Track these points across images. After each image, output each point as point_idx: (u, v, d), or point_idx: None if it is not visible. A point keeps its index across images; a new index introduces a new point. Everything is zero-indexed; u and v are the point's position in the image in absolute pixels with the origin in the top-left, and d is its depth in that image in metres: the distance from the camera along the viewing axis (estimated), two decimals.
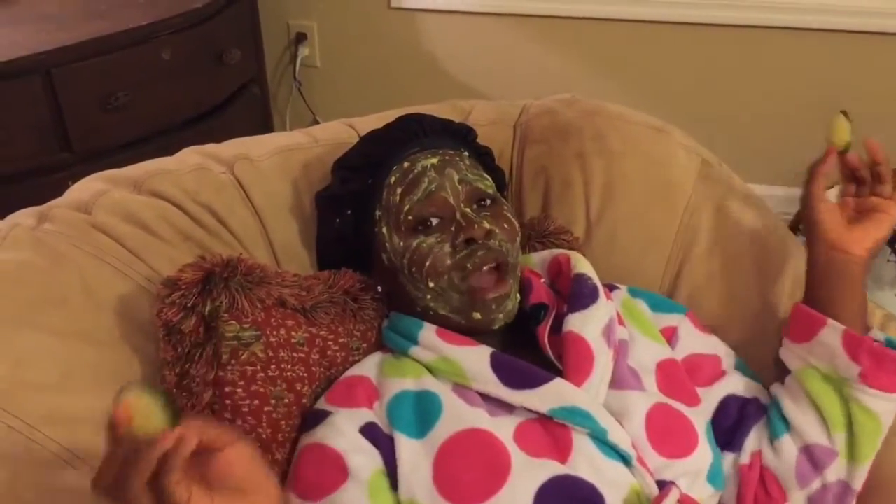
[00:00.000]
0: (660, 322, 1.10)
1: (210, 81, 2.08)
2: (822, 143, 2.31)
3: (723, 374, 1.07)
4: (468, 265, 0.97)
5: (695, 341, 1.09)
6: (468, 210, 1.00)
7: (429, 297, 0.99)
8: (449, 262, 0.98)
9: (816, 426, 0.99)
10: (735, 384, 1.06)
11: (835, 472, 0.98)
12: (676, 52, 2.37)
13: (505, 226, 1.01)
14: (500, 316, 0.98)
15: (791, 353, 1.03)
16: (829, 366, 0.99)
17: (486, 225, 0.99)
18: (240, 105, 2.19)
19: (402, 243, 1.01)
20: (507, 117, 1.34)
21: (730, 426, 1.03)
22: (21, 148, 1.79)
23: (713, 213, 1.24)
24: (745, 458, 1.01)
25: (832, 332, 0.98)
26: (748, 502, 1.00)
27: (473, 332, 1.00)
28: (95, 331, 0.97)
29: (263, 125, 2.33)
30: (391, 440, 0.92)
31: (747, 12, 2.26)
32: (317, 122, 2.63)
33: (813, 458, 0.98)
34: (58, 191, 1.13)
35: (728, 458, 1.02)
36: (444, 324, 1.00)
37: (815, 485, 0.98)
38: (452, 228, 0.99)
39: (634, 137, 1.28)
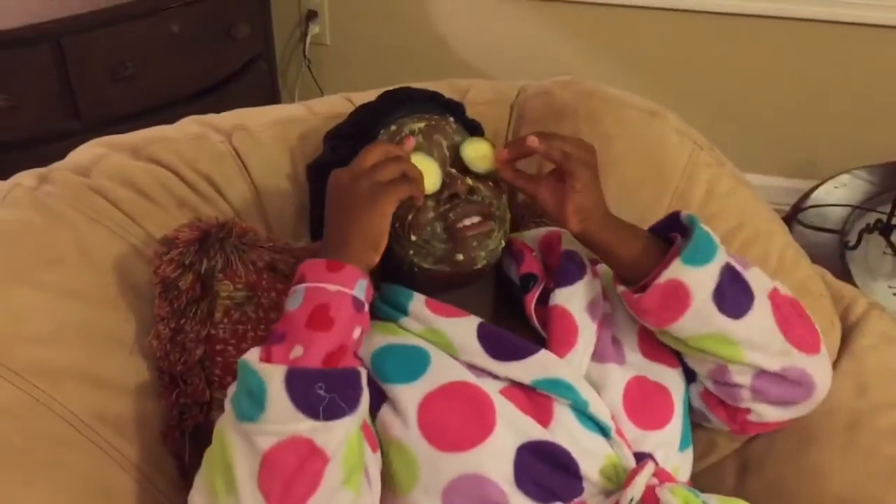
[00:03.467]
0: None
1: (217, 55, 2.10)
2: (822, 136, 2.33)
3: None
4: (451, 215, 0.99)
5: None
6: (453, 170, 1.01)
7: (412, 252, 1.00)
8: (432, 214, 0.99)
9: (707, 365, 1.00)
10: None
11: (738, 376, 0.99)
12: (682, 41, 2.37)
13: (490, 183, 1.03)
14: (482, 254, 0.99)
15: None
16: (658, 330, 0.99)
17: (470, 181, 1.00)
18: (247, 80, 2.21)
19: None
20: (503, 97, 1.35)
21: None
22: (30, 115, 1.82)
23: (702, 196, 1.26)
24: (701, 386, 1.05)
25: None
26: (722, 418, 1.05)
27: (459, 282, 1.02)
28: (89, 289, 1.00)
29: (270, 101, 2.32)
30: (376, 385, 0.94)
31: (752, 2, 2.26)
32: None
33: (723, 384, 1.01)
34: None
35: (692, 389, 1.06)
36: (429, 279, 1.02)
37: (744, 393, 1.00)
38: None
39: (628, 120, 1.29)
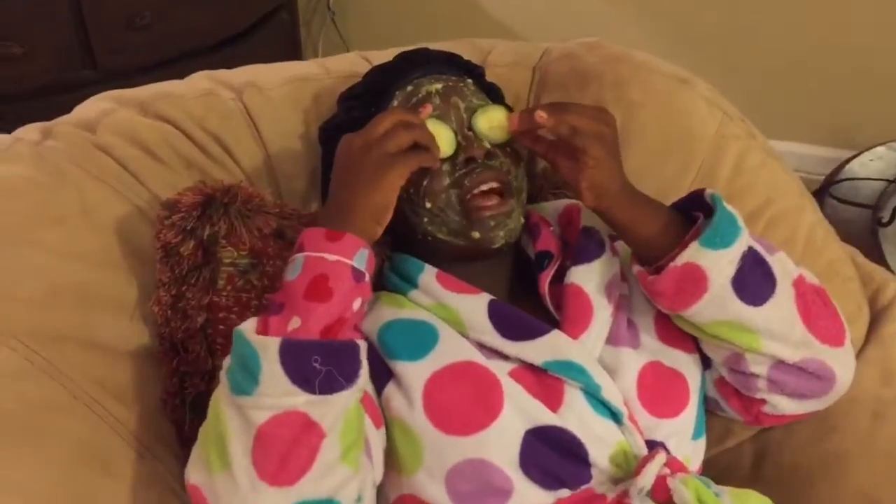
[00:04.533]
0: None
1: (237, 5, 2.05)
2: (859, 103, 2.24)
3: None
4: (466, 182, 0.95)
5: None
6: (470, 133, 0.98)
7: (426, 220, 0.97)
8: (448, 181, 0.96)
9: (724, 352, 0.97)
10: None
11: (755, 366, 0.95)
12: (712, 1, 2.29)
13: (508, 149, 1.00)
14: (501, 234, 0.96)
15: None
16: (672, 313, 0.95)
17: (487, 145, 0.97)
18: (268, 31, 2.15)
19: None
20: (526, 59, 1.30)
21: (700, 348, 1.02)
22: (45, 64, 1.79)
23: (730, 170, 1.21)
24: (716, 373, 1.01)
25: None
26: (736, 408, 1.01)
27: (474, 256, 0.99)
28: (91, 251, 0.98)
29: (293, 54, 2.28)
30: (382, 361, 0.92)
31: None
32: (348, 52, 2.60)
33: (739, 373, 0.97)
34: None
35: (707, 376, 1.02)
36: (443, 249, 0.99)
37: (760, 384, 0.97)
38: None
39: (655, 87, 1.24)
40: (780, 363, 0.94)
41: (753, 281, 0.91)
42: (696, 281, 0.90)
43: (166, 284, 0.95)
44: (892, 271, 1.66)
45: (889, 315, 1.17)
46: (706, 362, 1.01)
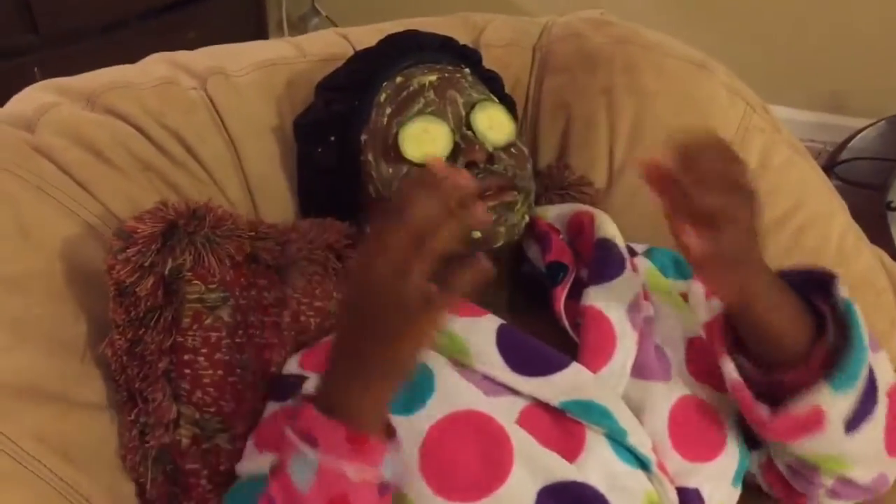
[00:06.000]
0: (674, 289, 0.96)
1: None
2: (856, 64, 2.13)
3: None
4: None
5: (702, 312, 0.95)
6: (469, 133, 0.88)
7: None
8: None
9: None
10: None
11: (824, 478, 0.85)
12: None
13: (512, 150, 0.89)
14: (502, 230, 0.86)
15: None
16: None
17: (489, 147, 0.87)
18: None
19: (390, 170, 0.89)
20: (525, 38, 1.18)
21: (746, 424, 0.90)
22: None
23: (755, 168, 1.09)
24: (765, 455, 0.90)
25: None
26: (781, 495, 0.91)
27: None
28: (30, 279, 0.84)
29: (255, 11, 2.13)
30: None
31: None
32: (314, 10, 2.43)
33: (801, 476, 0.87)
34: (22, 78, 1.01)
35: (752, 454, 0.90)
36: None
37: (820, 491, 0.87)
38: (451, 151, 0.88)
39: (671, 74, 1.12)
40: (849, 481, 0.84)
41: (863, 411, 0.79)
42: (813, 422, 0.78)
43: (121, 327, 0.81)
44: None
45: None
46: (756, 443, 0.89)
